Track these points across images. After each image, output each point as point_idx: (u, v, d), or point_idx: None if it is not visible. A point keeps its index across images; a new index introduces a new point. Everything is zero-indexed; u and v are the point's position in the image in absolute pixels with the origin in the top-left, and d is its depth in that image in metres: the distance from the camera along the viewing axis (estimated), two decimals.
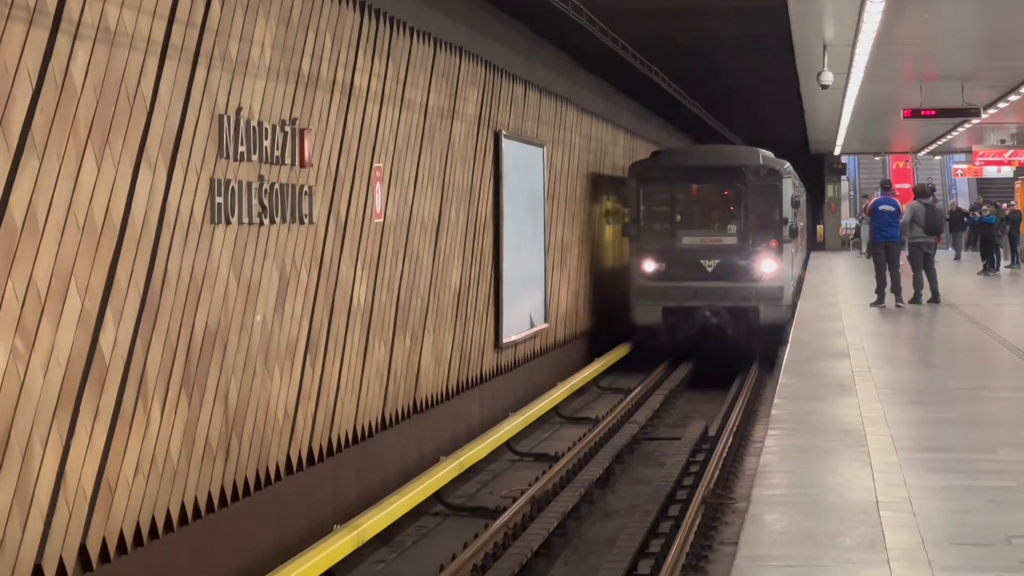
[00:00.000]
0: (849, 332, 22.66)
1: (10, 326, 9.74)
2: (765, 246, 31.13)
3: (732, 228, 31.48)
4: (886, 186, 30.49)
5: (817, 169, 63.38)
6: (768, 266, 30.95)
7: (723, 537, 15.92)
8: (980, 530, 9.40)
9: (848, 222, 65.89)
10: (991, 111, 37.41)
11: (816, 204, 63.79)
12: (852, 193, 72.62)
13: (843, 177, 69.10)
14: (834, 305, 28.87)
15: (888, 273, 27.42)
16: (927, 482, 10.93)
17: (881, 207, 27.90)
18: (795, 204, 32.32)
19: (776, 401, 15.46)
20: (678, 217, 31.95)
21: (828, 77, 26.11)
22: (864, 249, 55.36)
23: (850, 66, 27.57)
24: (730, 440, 21.60)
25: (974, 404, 15.31)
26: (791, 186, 32.13)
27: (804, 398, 15.57)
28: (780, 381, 17.06)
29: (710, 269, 31.00)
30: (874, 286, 27.87)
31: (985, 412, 14.65)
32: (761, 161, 31.74)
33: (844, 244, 63.78)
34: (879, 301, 27.38)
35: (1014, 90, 34.01)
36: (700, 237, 31.56)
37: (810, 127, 48.54)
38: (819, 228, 65.86)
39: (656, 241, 31.63)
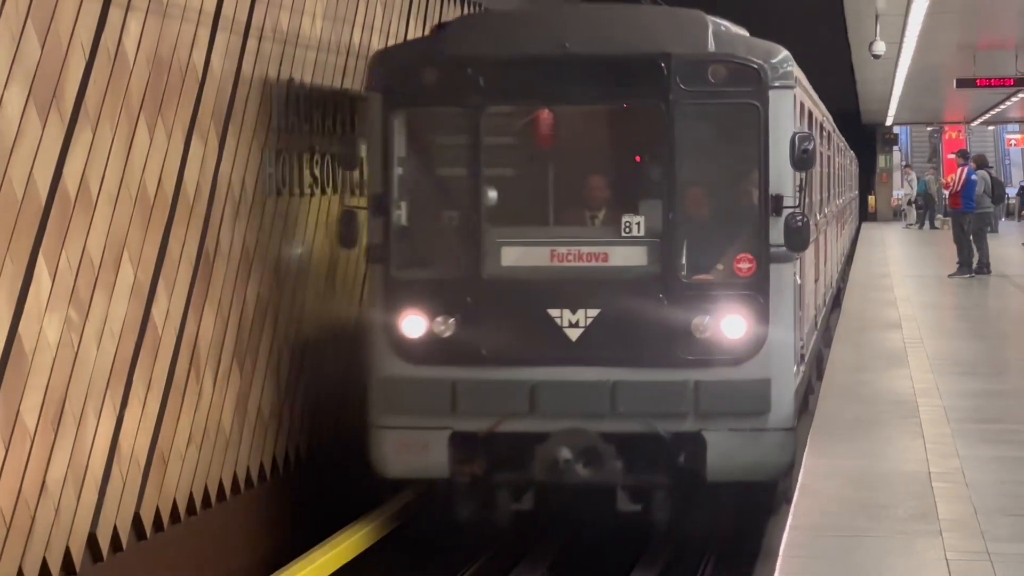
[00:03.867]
0: (901, 303, 22.54)
1: (64, 297, 9.79)
2: (725, 271, 12.25)
3: (634, 223, 12.16)
4: (967, 156, 30.04)
5: (869, 139, 63.02)
6: (733, 326, 12.03)
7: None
8: None
9: (899, 192, 65.51)
10: None
11: (868, 173, 63.42)
12: (904, 163, 72.10)
13: (895, 147, 68.69)
14: (886, 276, 28.70)
15: (974, 243, 27.40)
16: (980, 453, 10.88)
17: (973, 176, 27.73)
18: (803, 158, 12.03)
19: (827, 372, 15.41)
20: (491, 195, 12.40)
21: (880, 47, 25.95)
22: (914, 219, 55.06)
23: (902, 35, 27.37)
24: None
25: None
26: (792, 108, 12.54)
27: (856, 369, 15.51)
28: (831, 352, 17.00)
29: (576, 335, 12.04)
30: (953, 256, 27.73)
31: None
32: (711, 45, 12.25)
33: (896, 215, 63.40)
34: (967, 271, 27.19)
35: None
36: (550, 248, 12.22)
37: (862, 97, 48.26)
38: (871, 199, 65.48)
39: (432, 260, 12.66)
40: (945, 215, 45.58)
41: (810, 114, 15.34)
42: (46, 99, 9.53)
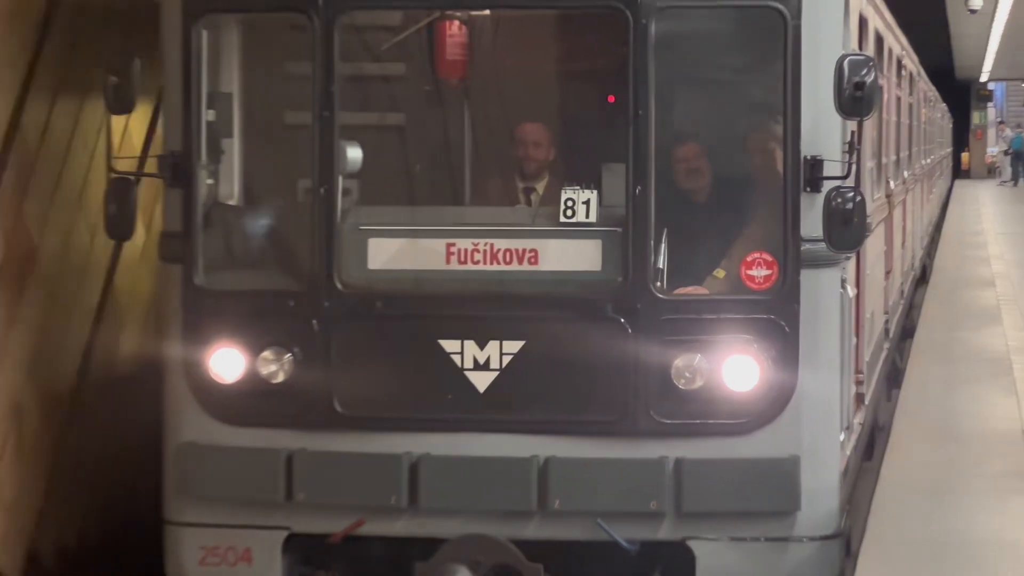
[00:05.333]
0: (994, 261, 22.32)
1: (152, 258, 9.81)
2: (729, 281, 7.84)
3: (580, 203, 7.70)
4: None
5: (963, 95, 62.36)
6: (739, 371, 7.62)
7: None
8: None
9: (992, 149, 64.83)
10: None
11: (961, 130, 62.83)
12: (998, 120, 71.31)
13: (989, 104, 67.90)
14: (979, 233, 28.42)
15: None
16: None
17: None
18: (856, 97, 7.25)
19: (919, 331, 15.28)
20: (352, 155, 7.96)
21: (977, 1, 25.60)
22: (1008, 177, 54.51)
23: None
24: None
25: None
26: (840, 17, 7.94)
27: (948, 327, 15.37)
28: (924, 309, 16.87)
29: (484, 381, 7.66)
30: None
31: None
32: None
33: (990, 172, 62.81)
34: None
35: None
36: (446, 241, 7.76)
37: (956, 53, 47.71)
38: (964, 156, 64.84)
39: (260, 259, 8.30)
40: None
41: (878, 37, 11.00)
42: None
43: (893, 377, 13.27)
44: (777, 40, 7.52)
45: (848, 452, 8.36)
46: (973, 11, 26.29)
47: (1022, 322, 15.32)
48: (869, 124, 8.32)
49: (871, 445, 10.59)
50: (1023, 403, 11.01)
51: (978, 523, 7.91)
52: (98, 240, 9.27)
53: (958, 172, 60.27)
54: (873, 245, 10.14)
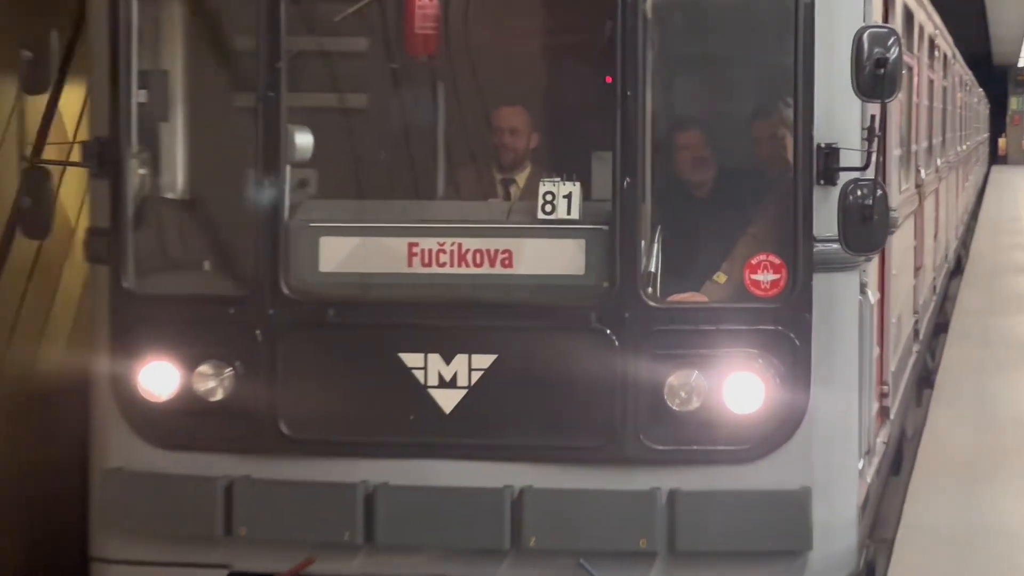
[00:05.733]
0: None
1: None
2: (730, 287, 6.90)
3: (560, 197, 6.75)
4: None
5: (1000, 80, 62.05)
6: (742, 390, 6.65)
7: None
8: None
9: None
10: None
11: (999, 115, 62.52)
12: None
13: None
14: (1015, 220, 28.30)
15: None
16: None
17: None
18: (877, 77, 6.25)
19: (955, 316, 15.20)
20: (302, 142, 7.02)
21: None
22: None
23: None
24: None
25: None
26: None
27: (985, 313, 15.29)
28: (960, 295, 16.78)
29: (451, 401, 6.74)
30: None
31: None
32: None
33: None
34: None
35: None
36: (407, 240, 6.82)
37: (994, 38, 47.52)
38: (1001, 141, 64.51)
39: (196, 260, 7.37)
40: None
41: (907, 12, 10.11)
42: None
43: (924, 377, 12.50)
44: (788, 12, 6.58)
45: (869, 480, 7.38)
46: None
47: None
48: (894, 108, 7.62)
49: (899, 460, 9.70)
50: None
51: (1014, 511, 7.87)
52: None
53: (995, 158, 59.99)
54: (900, 241, 9.33)
